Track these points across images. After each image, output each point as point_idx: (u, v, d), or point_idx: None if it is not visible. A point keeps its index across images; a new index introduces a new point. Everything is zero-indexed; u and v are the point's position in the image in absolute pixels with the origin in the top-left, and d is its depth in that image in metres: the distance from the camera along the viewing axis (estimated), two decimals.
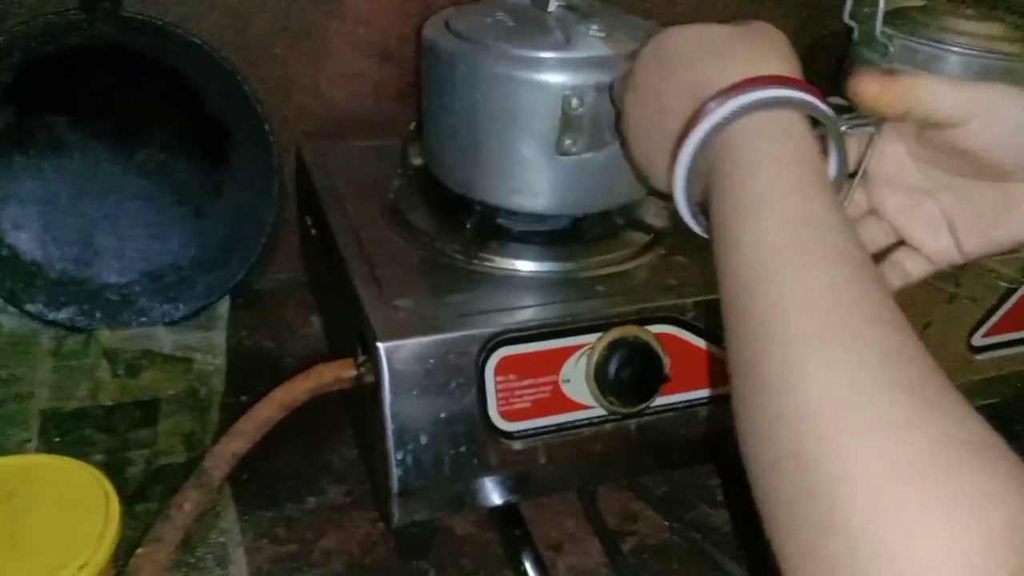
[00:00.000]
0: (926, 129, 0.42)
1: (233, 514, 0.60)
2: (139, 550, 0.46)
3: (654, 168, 0.44)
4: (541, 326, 0.54)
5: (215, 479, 0.48)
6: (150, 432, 0.67)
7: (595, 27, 0.58)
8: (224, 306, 0.82)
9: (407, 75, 0.84)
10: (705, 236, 0.39)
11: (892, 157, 0.45)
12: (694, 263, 0.62)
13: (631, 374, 0.55)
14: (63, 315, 0.76)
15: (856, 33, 0.78)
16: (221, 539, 0.58)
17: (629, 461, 0.59)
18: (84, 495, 0.49)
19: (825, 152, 0.40)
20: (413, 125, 0.76)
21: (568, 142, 0.56)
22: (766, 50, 0.39)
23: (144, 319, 0.78)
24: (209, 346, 0.77)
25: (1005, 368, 0.70)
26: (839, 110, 0.41)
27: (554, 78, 0.55)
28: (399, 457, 0.52)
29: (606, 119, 0.55)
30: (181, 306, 0.79)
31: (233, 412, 0.65)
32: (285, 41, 0.80)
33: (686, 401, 0.58)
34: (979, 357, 0.68)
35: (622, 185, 0.60)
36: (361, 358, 0.53)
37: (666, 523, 0.62)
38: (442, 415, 0.52)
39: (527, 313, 0.55)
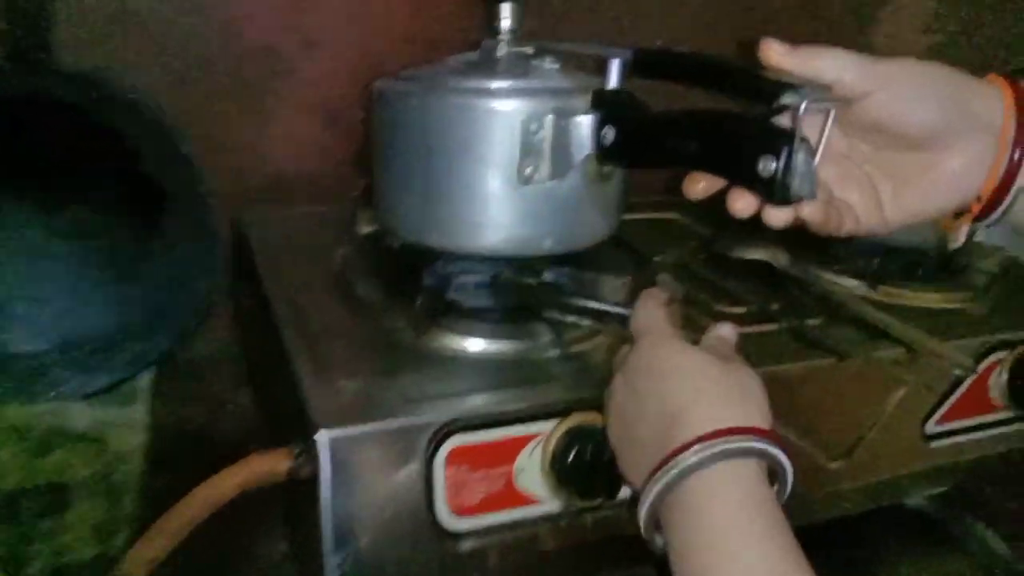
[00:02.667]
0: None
1: None
2: None
3: (628, 478, 0.48)
4: (495, 413, 0.51)
5: None
6: (56, 522, 0.60)
7: (549, 59, 0.58)
8: (148, 377, 0.76)
9: (355, 142, 0.81)
10: (659, 552, 0.44)
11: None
12: None
13: (590, 465, 0.51)
14: None
15: None
16: None
17: (586, 560, 0.56)
18: None
19: None
20: (361, 190, 0.73)
21: (529, 169, 0.54)
22: (746, 401, 0.45)
23: (57, 392, 0.72)
24: (128, 422, 0.71)
25: (957, 456, 0.69)
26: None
27: (511, 105, 0.54)
28: (337, 562, 0.47)
29: (566, 145, 0.54)
30: (99, 379, 0.73)
31: (155, 497, 0.59)
32: (229, 101, 0.76)
33: None
34: (932, 444, 0.67)
35: (587, 220, 0.58)
36: (298, 448, 0.49)
37: None
38: (386, 514, 0.48)
39: (480, 399, 0.52)
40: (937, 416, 0.67)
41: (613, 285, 0.63)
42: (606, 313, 0.58)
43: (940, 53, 1.05)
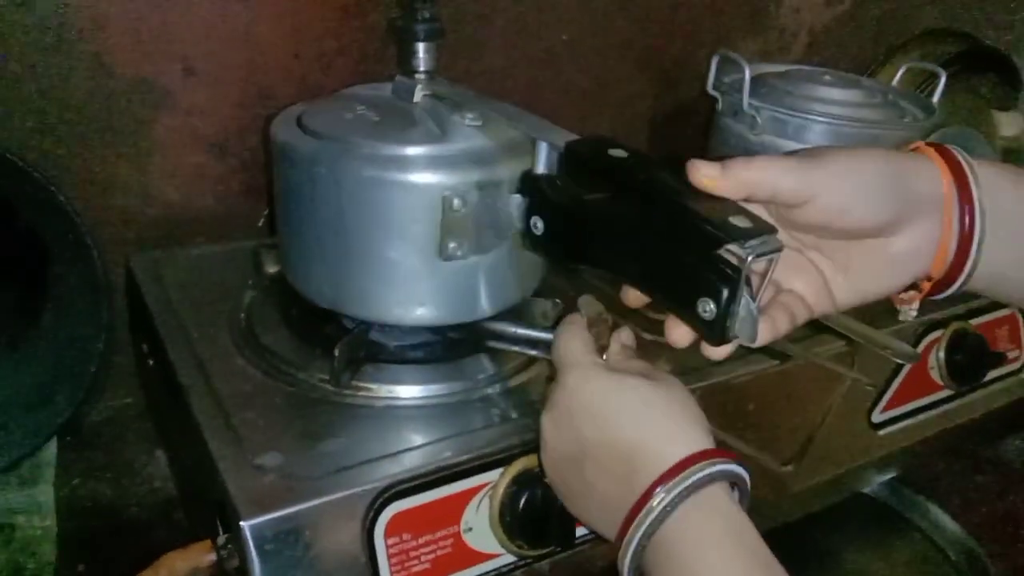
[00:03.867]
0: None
1: None
2: None
3: (594, 528, 0.45)
4: (435, 471, 0.47)
5: None
6: None
7: (469, 116, 0.53)
8: (50, 451, 0.69)
9: (249, 170, 0.75)
10: None
11: None
12: None
13: (541, 512, 0.48)
14: None
15: (720, 104, 0.77)
16: None
17: None
18: None
19: None
20: (262, 221, 0.67)
21: (452, 246, 0.50)
22: (686, 421, 0.43)
23: None
24: (34, 505, 0.65)
25: (905, 440, 0.68)
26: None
27: (431, 178, 0.49)
28: None
29: (493, 221, 0.50)
30: None
31: None
32: (106, 141, 0.69)
33: None
34: (880, 433, 0.67)
35: (513, 285, 0.54)
36: (222, 538, 0.44)
37: None
38: None
39: (417, 456, 0.48)
40: (882, 404, 0.66)
41: (543, 308, 0.60)
42: (541, 341, 0.55)
43: (843, 23, 1.04)
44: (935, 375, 0.69)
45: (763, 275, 0.41)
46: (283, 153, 0.53)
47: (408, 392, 0.53)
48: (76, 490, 0.68)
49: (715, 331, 0.40)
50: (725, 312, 0.39)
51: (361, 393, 0.53)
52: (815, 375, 0.61)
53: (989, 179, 0.43)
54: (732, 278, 0.39)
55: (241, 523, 0.42)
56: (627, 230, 0.44)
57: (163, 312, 0.61)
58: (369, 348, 0.56)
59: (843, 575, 0.67)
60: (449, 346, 0.57)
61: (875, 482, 0.71)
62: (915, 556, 0.69)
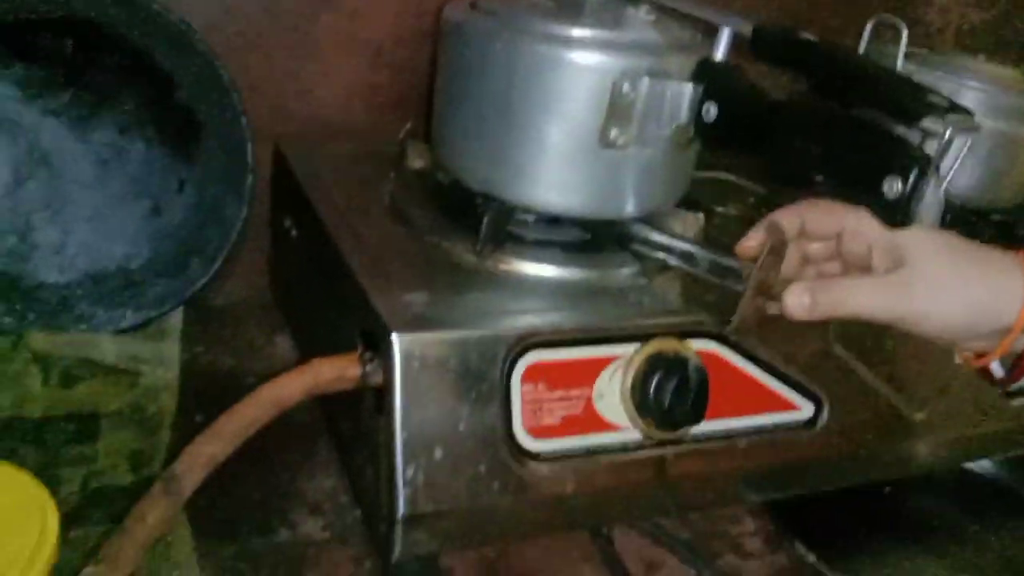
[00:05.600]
0: None
1: (189, 546, 0.50)
2: (87, 569, 0.36)
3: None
4: (575, 330, 0.48)
5: (187, 487, 0.39)
6: (88, 448, 0.56)
7: (644, 9, 0.54)
8: (177, 317, 0.72)
9: (401, 82, 0.77)
10: None
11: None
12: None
13: (673, 394, 0.48)
14: None
15: None
16: (174, 574, 0.48)
17: (662, 496, 0.52)
18: (16, 505, 0.39)
19: None
20: (403, 133, 0.69)
21: (615, 132, 0.50)
22: None
23: (84, 326, 0.68)
24: (160, 359, 0.67)
25: None
26: None
27: (603, 60, 0.50)
28: (408, 474, 0.43)
29: (660, 112, 0.50)
30: (128, 315, 0.69)
31: (186, 433, 0.55)
32: (271, 31, 0.73)
33: (726, 430, 0.52)
34: (1013, 403, 0.64)
35: (662, 188, 0.55)
36: (368, 354, 0.45)
37: (693, 572, 0.55)
38: (460, 427, 0.44)
39: (558, 316, 0.48)
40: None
41: (684, 219, 0.60)
42: (685, 252, 0.54)
43: (995, 26, 1.02)
44: None
45: (954, 158, 0.40)
46: (452, 30, 0.55)
47: (548, 271, 0.54)
48: (198, 356, 0.71)
49: (898, 212, 0.40)
50: (912, 191, 0.39)
51: (502, 266, 0.54)
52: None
53: None
54: (925, 155, 0.38)
55: (392, 335, 0.43)
56: (814, 111, 0.44)
57: (314, 187, 0.64)
58: (514, 225, 0.56)
59: (945, 543, 0.64)
60: (591, 239, 0.57)
61: (1000, 455, 0.68)
62: None
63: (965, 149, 0.40)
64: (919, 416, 0.59)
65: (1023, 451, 0.66)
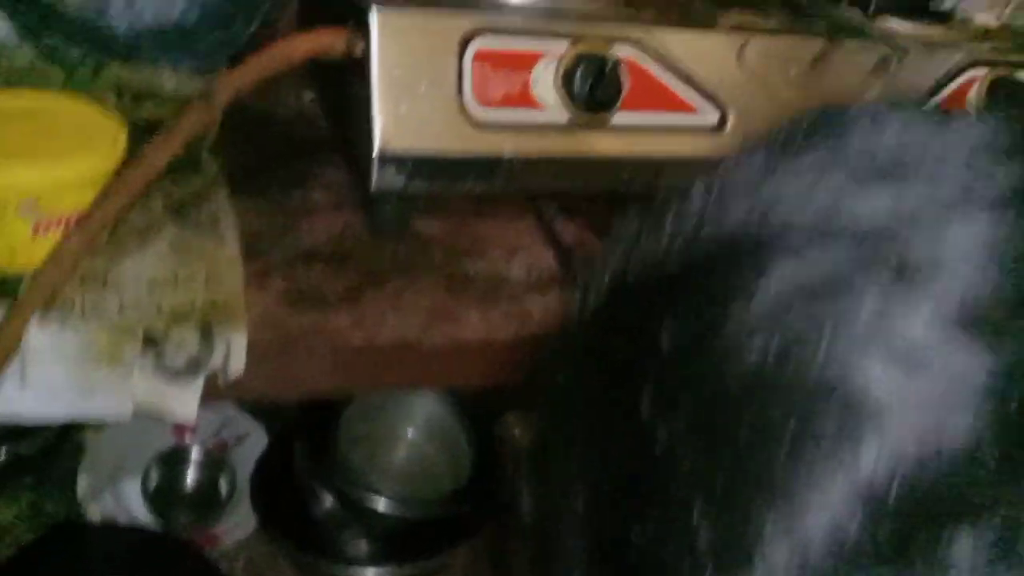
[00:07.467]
0: None
1: (225, 195, 0.66)
2: (143, 148, 0.52)
3: None
4: (519, 28, 0.61)
5: (220, 100, 0.55)
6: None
7: None
8: (223, 64, 0.87)
9: None
10: None
11: None
12: None
13: (594, 82, 0.61)
14: (76, 53, 0.82)
15: None
16: (213, 207, 0.64)
17: (586, 172, 0.66)
18: (97, 124, 0.56)
19: None
20: None
21: None
22: None
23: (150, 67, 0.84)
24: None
25: None
26: None
27: None
28: (381, 123, 0.58)
29: None
30: (185, 59, 0.85)
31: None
32: None
33: (640, 123, 0.65)
34: None
35: None
36: (352, 29, 0.59)
37: None
38: (422, 89, 0.59)
39: (507, 15, 0.62)
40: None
41: None
42: None
43: None
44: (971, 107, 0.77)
45: None
46: None
47: None
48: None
49: None
50: None
51: None
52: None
53: None
54: None
55: (372, 8, 0.57)
56: None
57: None
58: None
59: None
60: None
61: None
62: None
63: None
64: None
65: None
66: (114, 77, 0.81)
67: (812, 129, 0.30)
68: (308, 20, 0.88)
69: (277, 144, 0.76)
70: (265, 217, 0.65)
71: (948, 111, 0.35)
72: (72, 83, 0.80)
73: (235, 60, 0.87)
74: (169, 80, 0.82)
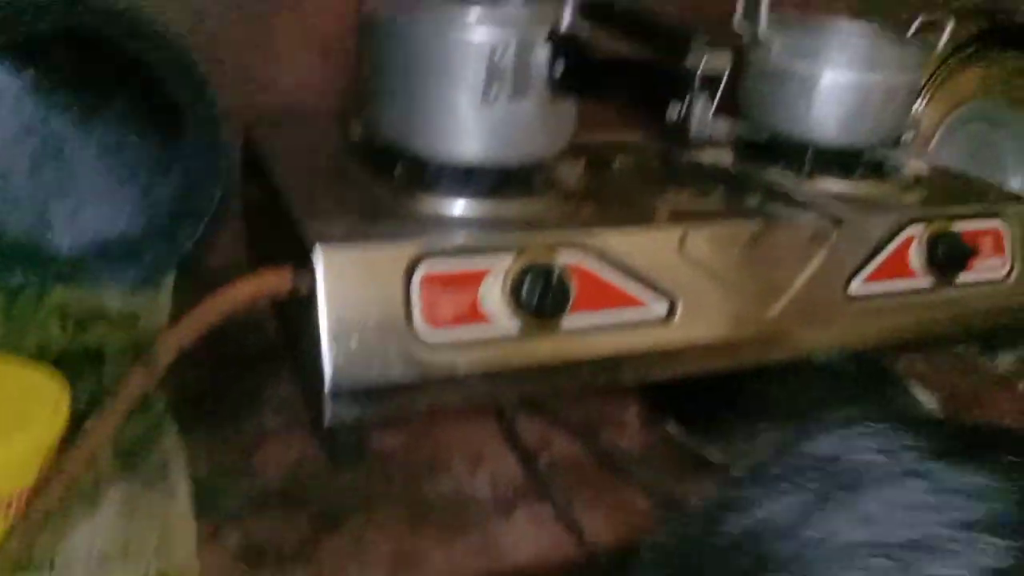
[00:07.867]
0: None
1: (175, 433, 0.64)
2: (86, 423, 0.50)
3: None
4: (463, 248, 0.61)
5: (162, 362, 0.53)
6: (96, 377, 0.71)
7: None
8: (169, 276, 0.86)
9: (351, 73, 0.91)
10: None
11: None
12: None
13: (541, 292, 0.61)
14: (16, 279, 0.80)
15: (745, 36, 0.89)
16: (163, 449, 0.62)
17: (540, 380, 0.65)
18: (37, 389, 0.54)
19: None
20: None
21: (495, 88, 0.64)
22: None
23: (94, 285, 0.82)
24: (156, 306, 0.82)
25: (879, 317, 0.78)
26: None
27: (480, 35, 0.64)
28: (331, 357, 0.57)
29: (525, 70, 0.64)
30: (130, 274, 0.84)
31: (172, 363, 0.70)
32: (240, 33, 0.87)
33: (590, 325, 0.65)
34: (855, 305, 0.77)
35: (543, 135, 0.68)
36: (298, 269, 0.59)
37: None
38: (370, 322, 0.58)
39: (450, 237, 0.62)
40: (860, 277, 0.76)
41: (570, 166, 0.74)
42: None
43: None
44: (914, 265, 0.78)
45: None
46: (366, 23, 0.70)
47: (448, 207, 0.68)
48: (184, 306, 0.85)
49: (679, 130, 0.53)
50: (687, 113, 0.52)
51: (413, 204, 0.67)
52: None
53: None
54: (696, 85, 0.52)
55: (316, 247, 0.57)
56: (627, 61, 0.58)
57: (272, 157, 0.78)
58: (430, 174, 0.70)
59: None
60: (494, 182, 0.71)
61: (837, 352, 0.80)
62: None
63: (724, 81, 0.53)
64: (769, 313, 0.72)
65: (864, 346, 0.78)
66: (58, 302, 0.79)
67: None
68: (253, 227, 0.88)
69: (227, 357, 0.74)
70: (216, 455, 0.63)
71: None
72: (15, 309, 0.79)
73: (182, 268, 0.87)
74: (114, 300, 0.81)
